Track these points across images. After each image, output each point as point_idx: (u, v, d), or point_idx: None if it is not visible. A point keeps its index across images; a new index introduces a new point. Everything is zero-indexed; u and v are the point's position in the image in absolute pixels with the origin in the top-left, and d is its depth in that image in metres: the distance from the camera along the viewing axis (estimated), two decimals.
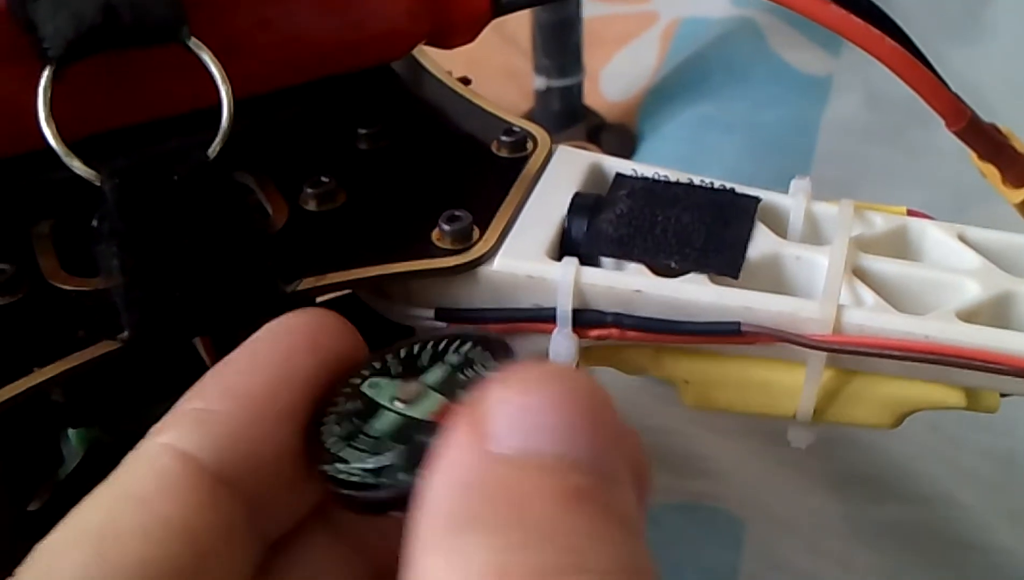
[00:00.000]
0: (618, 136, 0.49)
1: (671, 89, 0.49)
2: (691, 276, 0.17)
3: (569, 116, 0.49)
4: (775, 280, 0.18)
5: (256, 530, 0.12)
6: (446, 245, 0.17)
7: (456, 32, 0.21)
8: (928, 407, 0.17)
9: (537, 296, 0.17)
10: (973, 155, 0.20)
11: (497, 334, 0.14)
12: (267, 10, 0.18)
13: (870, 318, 0.16)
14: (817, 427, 0.18)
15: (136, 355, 0.16)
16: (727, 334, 0.17)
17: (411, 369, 0.14)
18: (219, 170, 0.17)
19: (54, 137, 0.16)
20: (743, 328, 0.16)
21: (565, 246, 0.18)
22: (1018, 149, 0.20)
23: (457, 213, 0.18)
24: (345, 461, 0.13)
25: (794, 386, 0.17)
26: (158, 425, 0.13)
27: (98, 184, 0.16)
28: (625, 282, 0.17)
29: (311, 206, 0.18)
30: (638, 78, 0.50)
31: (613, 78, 0.51)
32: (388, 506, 0.12)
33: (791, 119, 0.46)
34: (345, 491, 0.12)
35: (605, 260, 0.18)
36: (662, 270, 0.17)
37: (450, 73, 0.22)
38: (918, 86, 0.18)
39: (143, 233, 0.16)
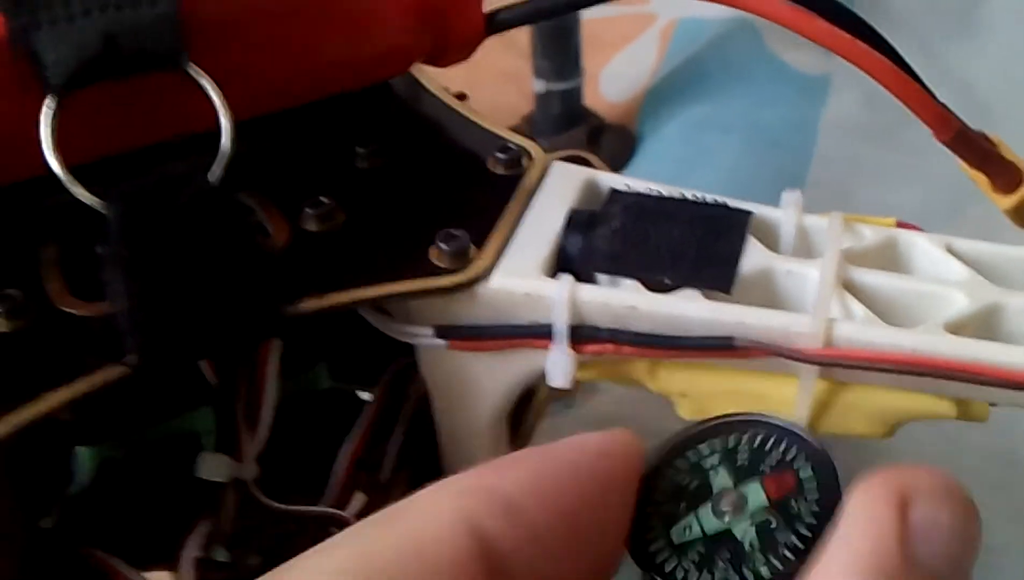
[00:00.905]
0: (618, 137, 0.49)
1: (670, 90, 0.49)
2: (684, 291, 0.17)
3: (569, 118, 0.49)
4: (767, 294, 0.18)
5: None
6: (443, 264, 0.18)
7: (452, 50, 0.21)
8: (919, 417, 0.17)
9: (534, 313, 0.18)
10: (963, 163, 0.20)
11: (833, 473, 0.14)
12: (265, 36, 0.18)
13: (860, 331, 0.16)
14: None
15: (141, 377, 0.16)
16: (721, 349, 0.17)
17: (708, 485, 0.14)
18: (221, 194, 0.17)
19: (58, 164, 0.17)
20: (736, 342, 0.17)
21: (561, 263, 0.18)
22: (1006, 157, 0.20)
23: (454, 232, 0.18)
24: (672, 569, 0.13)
25: (788, 398, 0.17)
26: (458, 488, 0.12)
27: (102, 210, 0.16)
28: (620, 298, 0.17)
29: (311, 226, 0.19)
30: (637, 79, 0.51)
31: (612, 79, 0.51)
32: None
33: (790, 119, 0.46)
34: None
35: (600, 276, 0.18)
36: (656, 285, 0.18)
37: (446, 89, 0.23)
38: (906, 98, 0.19)
39: (147, 258, 0.16)
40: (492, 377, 0.19)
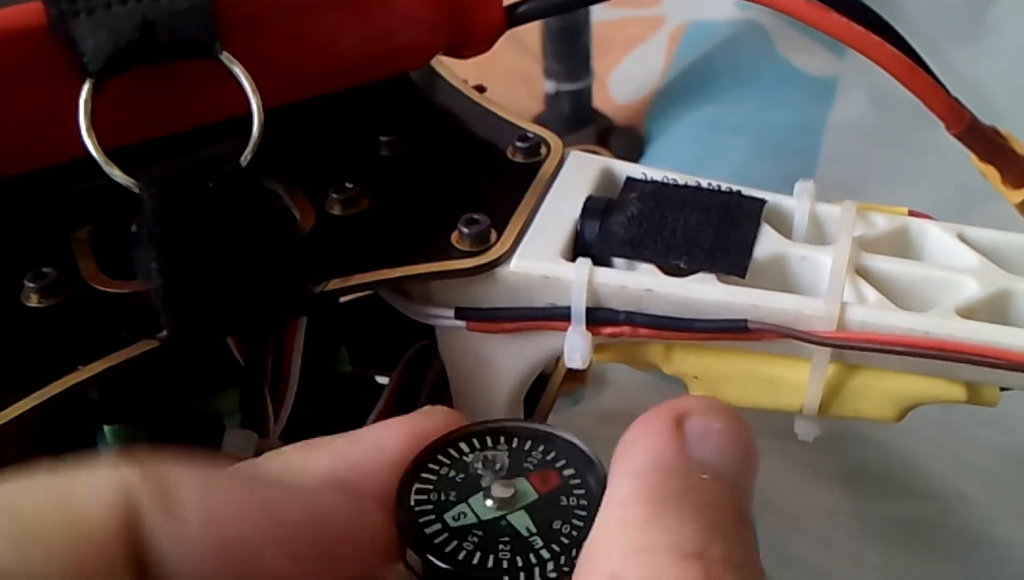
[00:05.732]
0: (626, 138, 0.50)
1: (678, 92, 0.50)
2: (700, 275, 0.18)
3: (579, 119, 0.49)
4: (781, 279, 0.18)
5: None
6: (465, 247, 0.18)
7: (472, 43, 0.22)
8: (930, 401, 0.18)
9: (552, 295, 0.18)
10: (973, 157, 0.21)
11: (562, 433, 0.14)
12: (295, 26, 0.19)
13: (872, 315, 0.17)
14: (823, 421, 0.19)
15: (172, 354, 0.17)
16: (735, 331, 0.17)
17: (476, 480, 0.14)
18: (250, 177, 0.17)
19: (95, 147, 0.17)
20: (750, 325, 0.17)
21: (578, 247, 0.19)
22: (1017, 151, 0.21)
23: (475, 216, 0.18)
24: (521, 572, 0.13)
25: (800, 381, 0.18)
26: (139, 461, 0.12)
27: (137, 191, 0.17)
28: (636, 281, 0.18)
29: (336, 211, 0.19)
30: (646, 81, 0.51)
31: (621, 81, 0.52)
32: None
33: (797, 120, 0.46)
34: None
35: (617, 260, 0.19)
36: (671, 270, 0.18)
37: (466, 81, 0.23)
38: (918, 90, 0.19)
39: (180, 237, 0.16)
40: (509, 359, 0.19)
